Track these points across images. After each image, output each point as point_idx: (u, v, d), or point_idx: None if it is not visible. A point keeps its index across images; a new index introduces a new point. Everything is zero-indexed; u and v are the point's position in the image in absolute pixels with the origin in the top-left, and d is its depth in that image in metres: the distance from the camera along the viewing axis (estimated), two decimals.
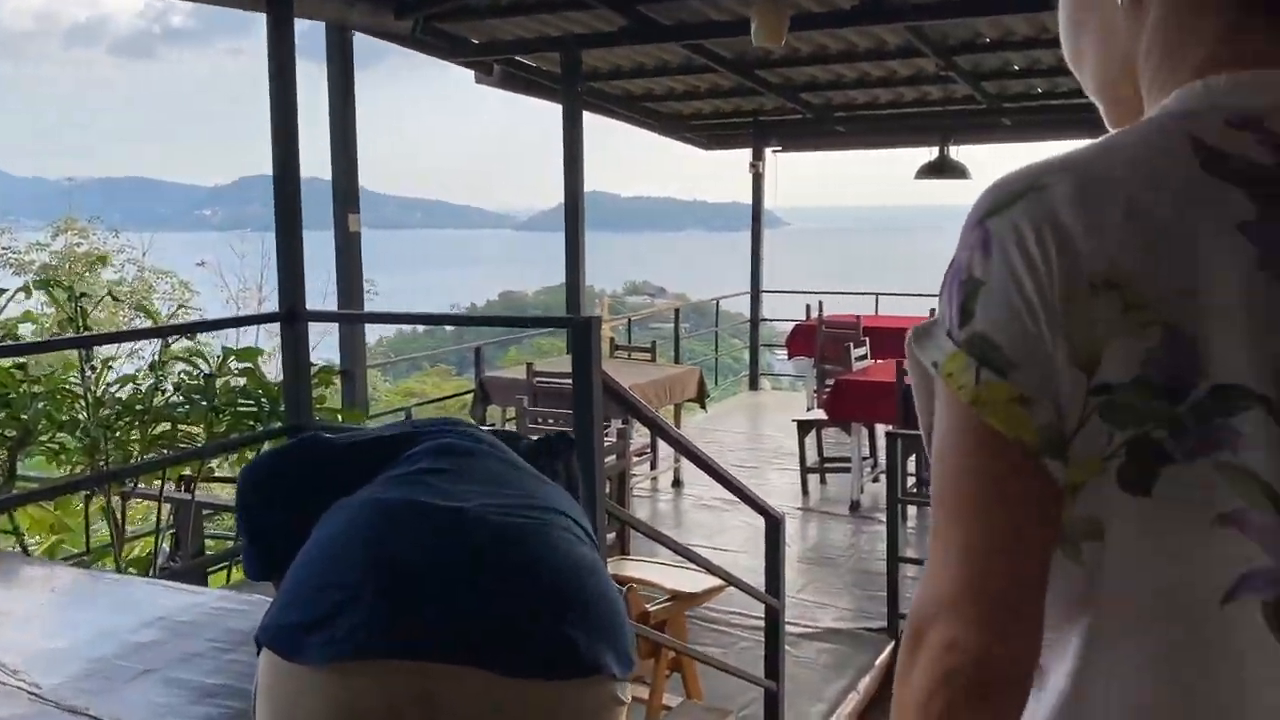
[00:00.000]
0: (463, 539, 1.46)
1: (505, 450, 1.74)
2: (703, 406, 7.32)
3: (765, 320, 11.26)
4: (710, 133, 11.05)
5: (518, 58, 7.76)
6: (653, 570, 3.62)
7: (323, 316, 5.84)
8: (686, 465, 7.48)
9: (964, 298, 0.71)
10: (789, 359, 9.07)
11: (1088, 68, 0.86)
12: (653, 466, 7.12)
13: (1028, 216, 0.69)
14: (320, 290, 7.38)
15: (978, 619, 0.67)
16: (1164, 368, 0.66)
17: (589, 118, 9.90)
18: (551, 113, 7.78)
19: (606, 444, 4.67)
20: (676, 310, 10.30)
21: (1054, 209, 0.69)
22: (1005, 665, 0.67)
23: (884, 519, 5.06)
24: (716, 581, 3.28)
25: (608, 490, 4.81)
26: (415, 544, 1.45)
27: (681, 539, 6.22)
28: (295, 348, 3.89)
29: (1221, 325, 0.66)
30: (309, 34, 5.59)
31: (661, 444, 7.35)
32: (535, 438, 1.91)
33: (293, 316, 3.94)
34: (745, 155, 10.78)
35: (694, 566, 3.15)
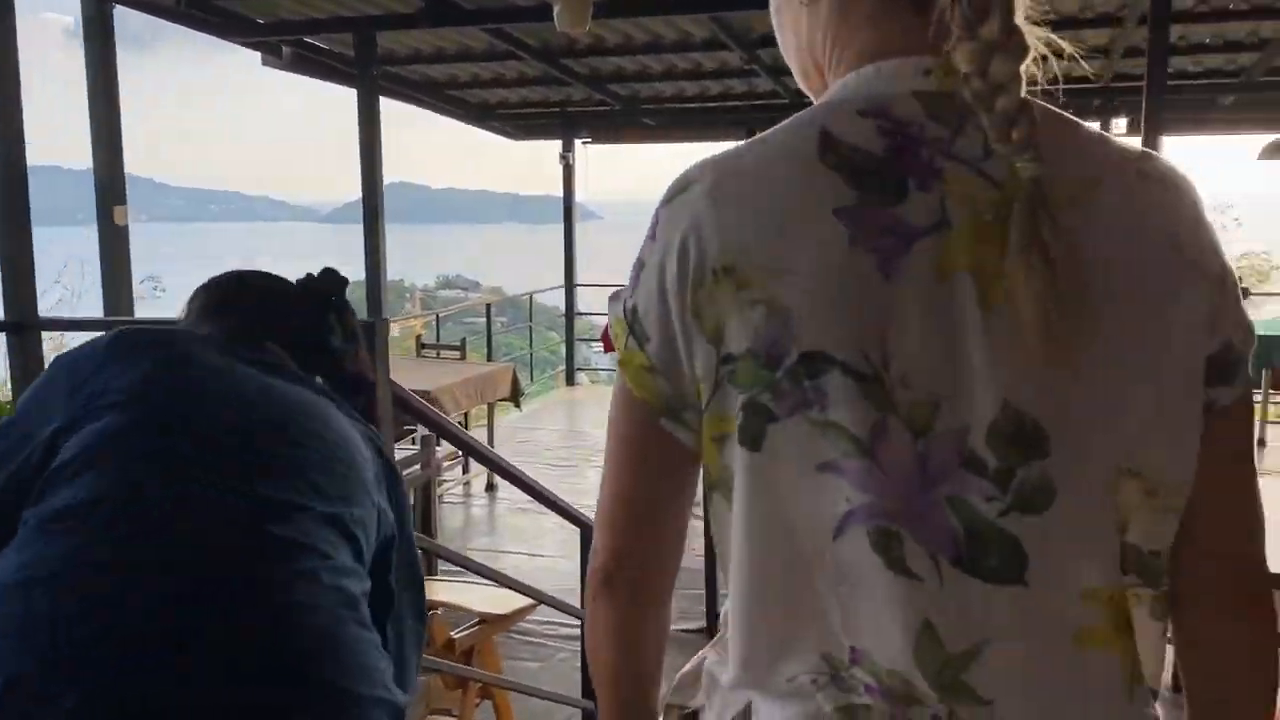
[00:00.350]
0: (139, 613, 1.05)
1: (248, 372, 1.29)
2: (517, 405, 7.07)
3: (581, 314, 11.10)
4: (519, 122, 10.79)
5: (308, 39, 7.28)
6: (460, 591, 3.36)
7: (58, 325, 5.29)
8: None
9: (634, 272, 0.83)
10: (605, 353, 8.95)
11: (790, 63, 0.93)
12: (465, 470, 6.83)
13: (680, 210, 0.79)
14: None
15: (610, 538, 0.88)
16: (765, 340, 0.75)
17: (392, 105, 9.48)
18: (352, 99, 7.34)
19: (409, 453, 4.39)
20: (488, 305, 9.98)
21: (695, 203, 0.78)
22: (627, 573, 0.88)
23: (701, 514, 4.97)
24: (530, 600, 3.06)
25: (411, 502, 4.52)
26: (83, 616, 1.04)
27: (496, 545, 6.07)
28: (25, 361, 3.47)
29: (811, 300, 0.74)
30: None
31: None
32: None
33: (19, 326, 3.54)
34: (556, 146, 10.59)
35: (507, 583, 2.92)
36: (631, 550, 0.88)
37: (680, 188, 0.81)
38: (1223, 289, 0.78)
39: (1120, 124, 8.53)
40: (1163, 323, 0.76)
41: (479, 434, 7.28)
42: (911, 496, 0.74)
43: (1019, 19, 0.76)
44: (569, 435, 8.48)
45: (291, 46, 7.26)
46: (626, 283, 0.85)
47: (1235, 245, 18.19)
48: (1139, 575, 0.78)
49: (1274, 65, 7.61)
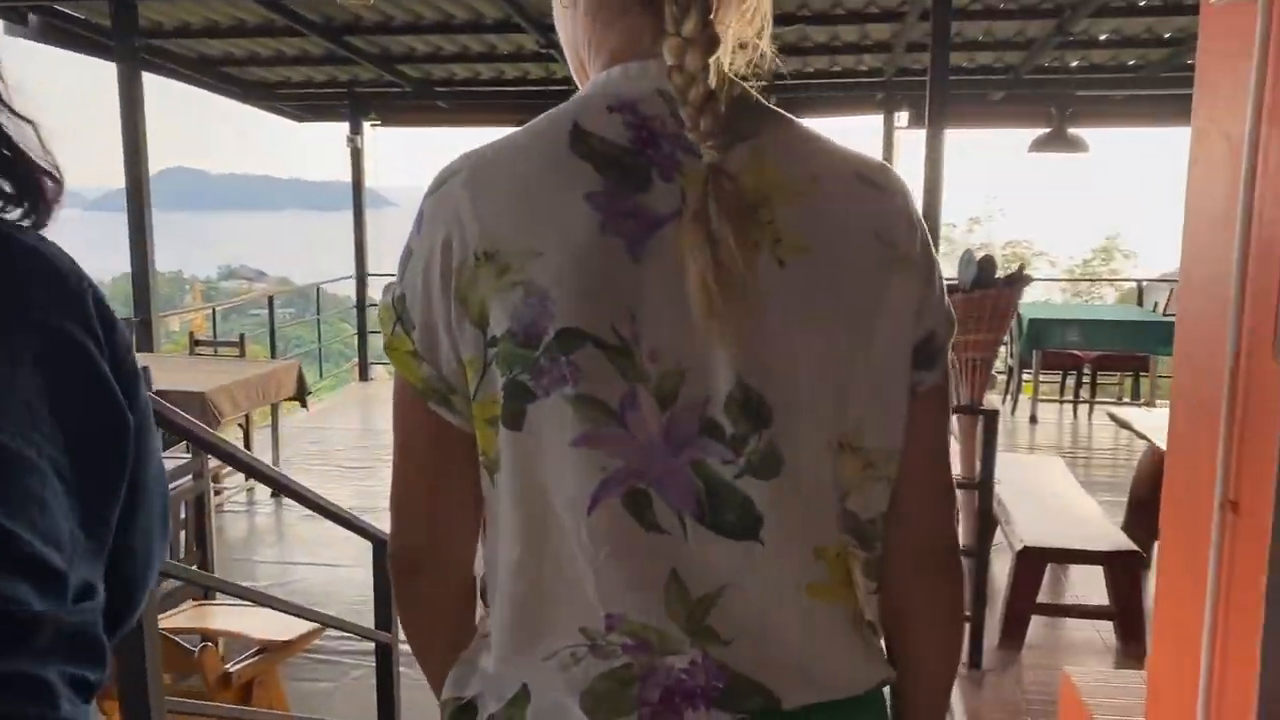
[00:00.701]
0: None
1: None
2: (303, 404, 6.62)
3: (374, 305, 10.61)
4: (302, 103, 10.23)
5: (58, 6, 6.58)
6: (239, 617, 3.05)
7: None
8: (288, 467, 6.79)
9: (401, 262, 0.85)
10: None
11: (567, 58, 0.97)
12: (248, 476, 6.36)
13: (442, 200, 0.83)
14: None
15: (399, 521, 0.90)
16: (524, 320, 0.79)
17: (161, 82, 8.75)
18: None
19: (178, 464, 3.98)
20: (270, 298, 9.37)
21: (455, 193, 0.82)
22: (419, 555, 0.90)
23: None
24: (318, 624, 2.79)
25: (184, 516, 4.11)
26: None
27: (285, 557, 5.67)
28: None
29: (566, 281, 0.78)
30: None
31: (258, 447, 6.62)
32: None
33: None
34: (343, 129, 10.07)
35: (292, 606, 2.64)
36: (420, 535, 0.90)
37: (442, 179, 0.84)
38: (929, 283, 0.88)
39: (903, 117, 8.88)
40: (876, 312, 0.84)
41: (262, 437, 6.80)
42: (659, 460, 0.81)
43: (720, 25, 0.84)
44: (363, 434, 8.08)
45: (39, 14, 6.55)
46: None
47: (1001, 234, 19.57)
48: (856, 538, 0.88)
49: (1040, 64, 8.10)
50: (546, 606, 0.84)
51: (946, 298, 0.90)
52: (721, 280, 0.78)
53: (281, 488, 2.40)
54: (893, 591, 0.93)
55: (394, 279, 0.87)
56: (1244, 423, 1.46)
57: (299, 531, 5.78)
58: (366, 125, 10.08)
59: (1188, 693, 1.60)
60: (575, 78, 0.97)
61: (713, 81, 0.81)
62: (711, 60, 0.81)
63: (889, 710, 0.94)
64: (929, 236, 0.89)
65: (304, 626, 2.87)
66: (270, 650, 2.81)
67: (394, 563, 0.93)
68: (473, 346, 0.81)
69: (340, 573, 4.98)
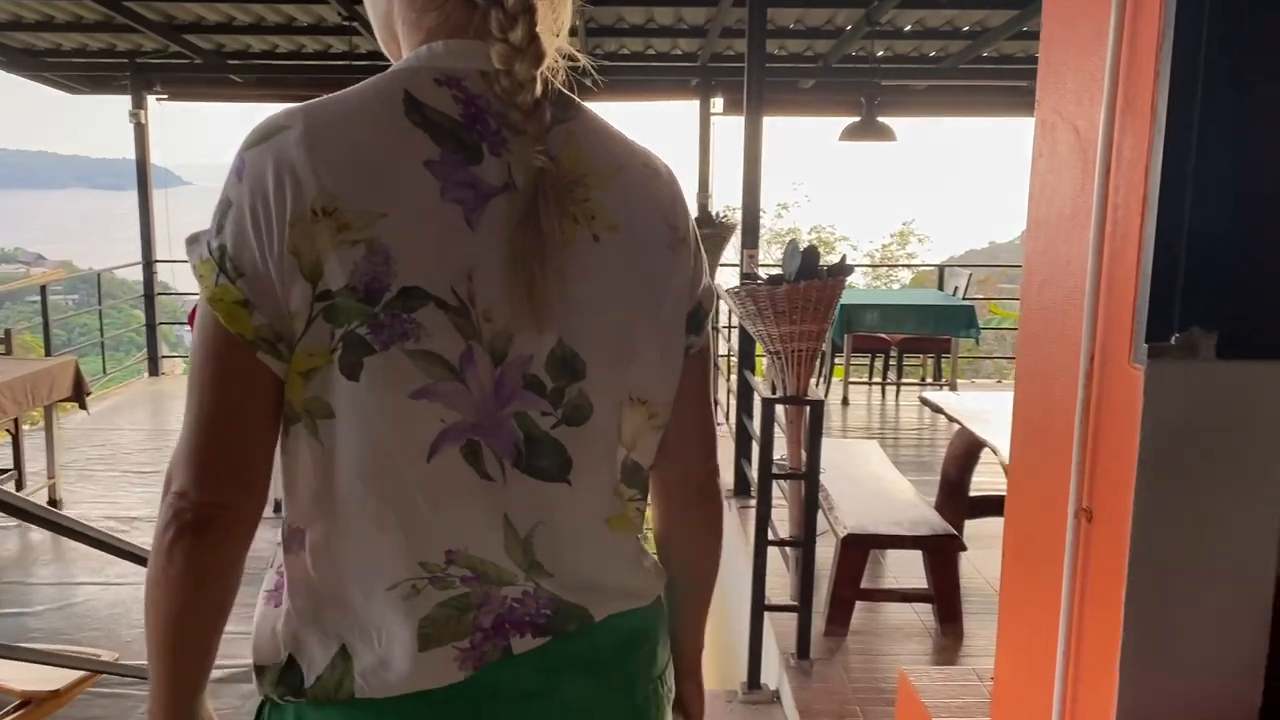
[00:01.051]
0: None
1: None
2: (82, 406, 6.00)
3: (167, 293, 9.86)
4: (77, 73, 9.36)
5: None
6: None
7: None
8: (69, 475, 6.18)
9: (219, 213, 0.87)
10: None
11: (375, 30, 1.01)
12: (19, 486, 5.73)
13: (270, 153, 0.85)
14: None
15: (200, 474, 0.88)
16: (365, 276, 0.84)
17: None
18: None
19: None
20: (43, 287, 8.49)
21: (288, 148, 0.84)
22: (218, 511, 0.89)
23: None
24: (92, 670, 2.45)
25: None
26: None
27: (64, 576, 5.12)
28: None
29: (408, 242, 0.84)
30: None
31: (31, 453, 5.97)
32: None
33: None
34: (126, 102, 9.26)
35: (68, 651, 2.29)
36: (225, 487, 0.89)
37: (269, 132, 0.86)
38: (698, 260, 1.03)
39: (718, 103, 8.91)
40: (665, 285, 0.98)
41: (36, 441, 6.15)
42: (489, 413, 0.88)
43: (541, 29, 0.90)
44: (154, 435, 7.45)
45: None
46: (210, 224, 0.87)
47: (806, 219, 20.19)
48: (631, 485, 1.00)
49: (848, 53, 8.27)
50: (386, 546, 0.89)
51: (707, 271, 1.06)
52: (548, 251, 0.88)
53: (49, 524, 2.06)
54: (671, 515, 1.12)
55: (204, 231, 0.88)
56: (1099, 429, 1.40)
57: (81, 547, 5.23)
58: (151, 99, 9.30)
59: (1040, 707, 1.55)
60: (385, 49, 1.01)
61: (539, 90, 0.90)
62: (538, 71, 0.90)
63: (665, 608, 1.09)
64: (693, 221, 1.03)
65: (77, 673, 2.52)
66: (36, 704, 2.44)
67: (190, 520, 0.88)
68: (299, 298, 0.84)
69: (128, 591, 4.54)
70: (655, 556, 1.10)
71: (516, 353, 0.88)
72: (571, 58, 0.97)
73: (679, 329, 1.01)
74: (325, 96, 0.88)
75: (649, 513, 1.08)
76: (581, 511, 0.95)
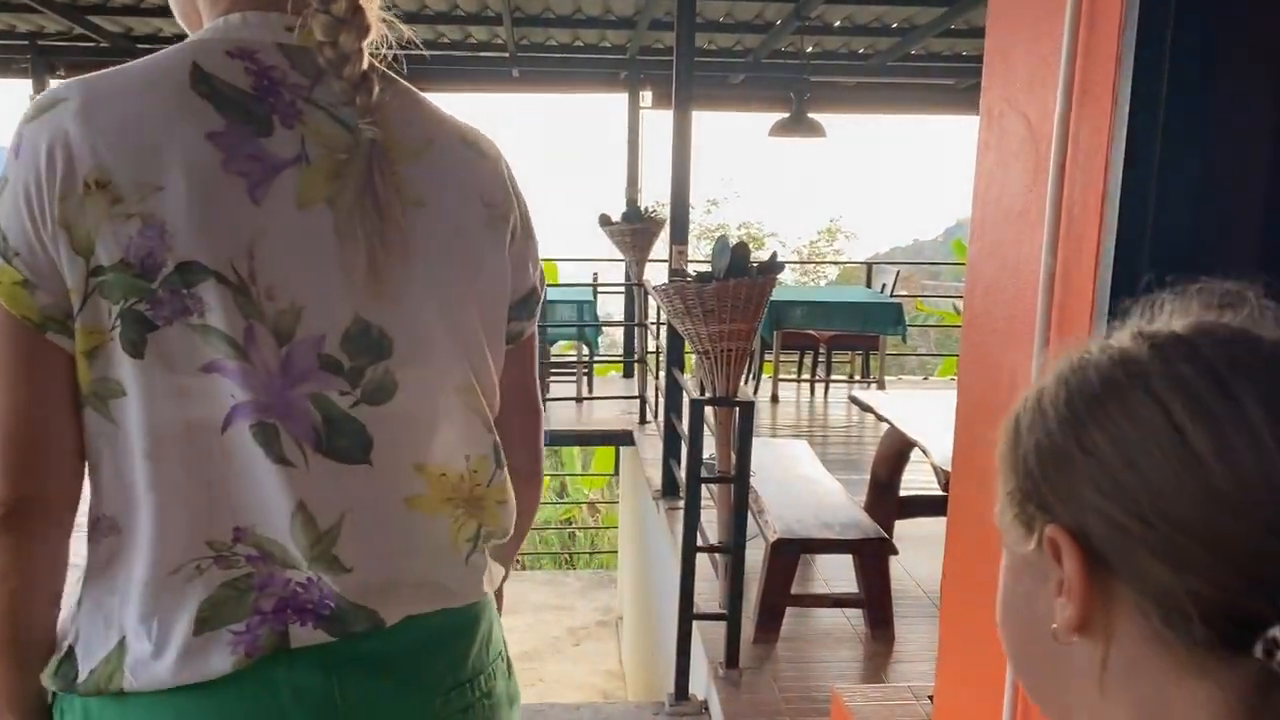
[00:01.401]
0: None
1: None
2: None
3: None
4: None
5: None
6: None
7: None
8: None
9: None
10: None
11: (173, 6, 1.00)
12: None
13: (47, 127, 0.82)
14: None
15: (9, 461, 0.85)
16: (140, 251, 0.82)
17: None
18: None
19: None
20: None
21: (64, 121, 0.82)
22: (30, 505, 0.86)
23: None
24: None
25: None
26: None
27: None
28: None
29: (187, 215, 0.82)
30: None
31: None
32: None
33: None
34: (27, 87, 8.84)
35: None
36: (37, 477, 0.86)
37: (46, 105, 0.84)
38: (527, 242, 1.02)
39: (647, 96, 8.79)
40: (482, 265, 0.96)
41: None
42: (278, 392, 0.86)
43: (364, 1, 0.90)
44: None
45: None
46: None
47: (734, 215, 20.22)
48: (443, 466, 0.96)
49: (777, 48, 8.21)
50: (173, 526, 0.87)
51: (539, 256, 1.05)
52: (386, 223, 0.87)
53: None
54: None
55: None
56: None
57: None
58: (54, 83, 8.89)
59: None
60: (183, 21, 0.98)
61: (365, 62, 0.89)
62: (365, 43, 0.89)
63: (490, 624, 1.04)
64: (526, 204, 1.02)
65: None
66: None
67: (1, 515, 0.86)
68: (73, 274, 0.82)
69: None
70: (492, 559, 1.06)
71: (305, 331, 0.86)
72: (407, 42, 0.96)
73: (502, 311, 1.00)
74: (112, 68, 0.85)
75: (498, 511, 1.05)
76: (384, 492, 0.93)
